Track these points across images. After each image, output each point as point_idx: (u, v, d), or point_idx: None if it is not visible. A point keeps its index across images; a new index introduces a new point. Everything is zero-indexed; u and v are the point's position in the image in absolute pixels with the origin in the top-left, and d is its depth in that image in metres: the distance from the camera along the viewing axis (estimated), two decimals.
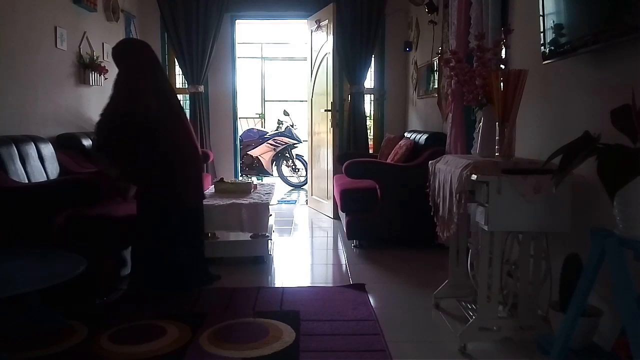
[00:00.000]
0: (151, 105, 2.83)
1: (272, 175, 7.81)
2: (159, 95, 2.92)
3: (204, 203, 3.36)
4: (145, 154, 2.84)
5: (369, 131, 6.04)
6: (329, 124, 5.41)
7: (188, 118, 3.19)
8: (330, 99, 5.34)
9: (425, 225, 3.23)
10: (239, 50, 6.57)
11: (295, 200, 6.66)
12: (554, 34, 2.34)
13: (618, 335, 1.86)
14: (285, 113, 8.03)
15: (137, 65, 2.93)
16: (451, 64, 2.71)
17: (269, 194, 4.07)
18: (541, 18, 2.41)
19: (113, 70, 4.86)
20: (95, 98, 4.59)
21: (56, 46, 3.88)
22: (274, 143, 7.75)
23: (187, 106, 5.78)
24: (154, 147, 2.85)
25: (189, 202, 3.04)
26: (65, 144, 3.79)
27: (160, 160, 2.88)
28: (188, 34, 5.55)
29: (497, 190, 2.09)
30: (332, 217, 5.34)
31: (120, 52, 3.02)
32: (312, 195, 6.00)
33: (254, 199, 3.80)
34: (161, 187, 2.90)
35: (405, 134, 4.99)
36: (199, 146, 3.21)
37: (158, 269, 2.95)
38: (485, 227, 2.17)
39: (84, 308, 2.72)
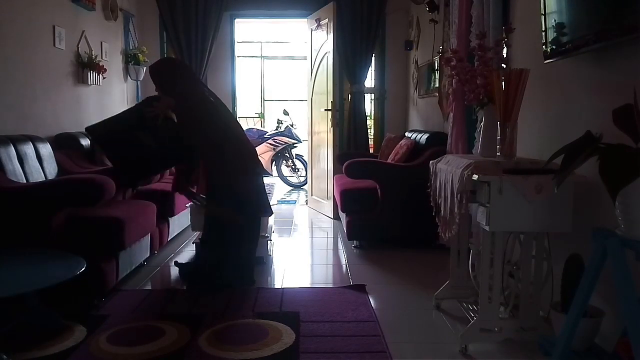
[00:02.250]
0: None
1: (271, 175, 7.79)
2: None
3: None
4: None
5: (369, 131, 6.03)
6: (329, 123, 5.40)
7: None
8: (331, 99, 5.33)
9: (426, 225, 3.22)
10: (238, 49, 6.57)
11: (295, 201, 6.65)
12: (555, 33, 2.33)
13: (620, 336, 1.85)
14: (285, 112, 8.01)
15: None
16: (452, 63, 2.69)
17: (269, 194, 4.05)
18: (542, 17, 2.40)
19: (112, 70, 4.90)
20: (94, 97, 4.58)
21: (54, 45, 3.87)
22: (274, 143, 7.73)
23: None
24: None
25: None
26: (64, 144, 3.78)
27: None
28: (187, 33, 5.54)
29: (499, 191, 2.08)
30: (332, 217, 5.33)
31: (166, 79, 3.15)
32: (312, 195, 5.98)
33: None
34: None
35: (406, 134, 4.98)
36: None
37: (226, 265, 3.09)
38: (487, 228, 2.15)
39: (83, 309, 2.71)
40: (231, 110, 5.96)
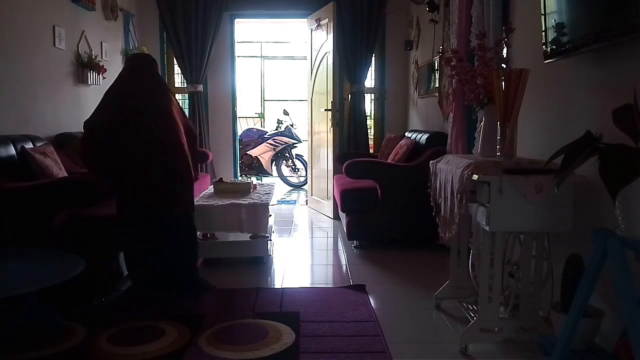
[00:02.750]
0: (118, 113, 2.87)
1: (271, 175, 7.79)
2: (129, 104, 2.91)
3: (202, 204, 3.35)
4: (120, 156, 2.83)
5: (369, 131, 6.02)
6: (329, 123, 5.40)
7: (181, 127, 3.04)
8: (330, 99, 5.33)
9: (426, 225, 3.23)
10: (238, 49, 6.57)
11: (295, 201, 6.65)
12: (555, 33, 2.32)
13: (620, 336, 1.85)
14: (285, 112, 8.01)
15: (118, 78, 3.15)
16: (452, 63, 2.69)
17: (269, 194, 4.05)
18: (542, 17, 2.40)
19: (112, 70, 4.90)
20: (94, 97, 4.57)
21: (54, 45, 3.87)
22: (274, 143, 7.73)
23: (186, 106, 5.78)
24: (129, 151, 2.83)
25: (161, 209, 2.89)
26: (64, 144, 3.78)
27: (134, 163, 2.83)
28: (187, 33, 5.54)
29: (499, 190, 2.08)
30: (332, 217, 5.33)
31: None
32: (312, 195, 5.98)
33: (253, 199, 3.79)
34: (135, 191, 2.84)
35: (406, 134, 4.98)
36: (186, 154, 2.97)
37: (148, 271, 2.92)
38: (487, 228, 2.15)
39: (83, 309, 2.71)
40: (231, 110, 5.97)
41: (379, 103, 6.05)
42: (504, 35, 2.82)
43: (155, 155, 2.85)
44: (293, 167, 7.79)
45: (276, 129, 7.97)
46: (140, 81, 3.02)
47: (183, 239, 2.98)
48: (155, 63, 3.20)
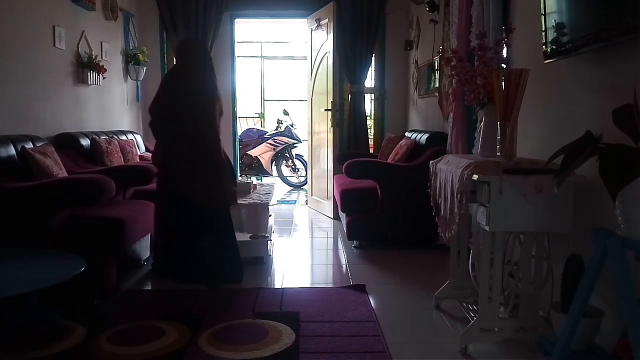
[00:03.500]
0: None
1: (271, 175, 7.79)
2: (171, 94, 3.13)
3: None
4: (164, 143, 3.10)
5: (369, 131, 6.02)
6: (329, 123, 5.40)
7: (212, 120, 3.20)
8: (331, 99, 5.33)
9: (426, 225, 3.22)
10: (238, 49, 6.57)
11: (295, 201, 6.65)
12: (555, 33, 2.32)
13: (620, 336, 1.85)
14: (285, 112, 8.01)
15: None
16: (452, 63, 2.69)
17: (269, 194, 4.05)
18: (542, 17, 2.40)
19: (112, 70, 4.90)
20: (94, 97, 4.58)
21: (54, 45, 3.86)
22: (274, 143, 7.73)
23: None
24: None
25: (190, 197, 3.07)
26: (64, 144, 3.78)
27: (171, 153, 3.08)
28: (187, 33, 5.53)
29: (499, 190, 2.08)
30: (332, 217, 5.33)
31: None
32: (312, 195, 5.98)
33: (253, 199, 3.79)
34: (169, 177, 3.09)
35: (406, 134, 4.98)
36: (216, 149, 3.16)
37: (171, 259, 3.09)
38: (487, 228, 2.16)
39: (83, 309, 2.71)
40: (230, 110, 5.96)
41: (379, 103, 6.05)
42: (504, 35, 2.82)
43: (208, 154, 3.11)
44: (293, 167, 7.79)
45: (276, 129, 7.98)
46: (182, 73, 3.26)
47: (224, 230, 3.18)
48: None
